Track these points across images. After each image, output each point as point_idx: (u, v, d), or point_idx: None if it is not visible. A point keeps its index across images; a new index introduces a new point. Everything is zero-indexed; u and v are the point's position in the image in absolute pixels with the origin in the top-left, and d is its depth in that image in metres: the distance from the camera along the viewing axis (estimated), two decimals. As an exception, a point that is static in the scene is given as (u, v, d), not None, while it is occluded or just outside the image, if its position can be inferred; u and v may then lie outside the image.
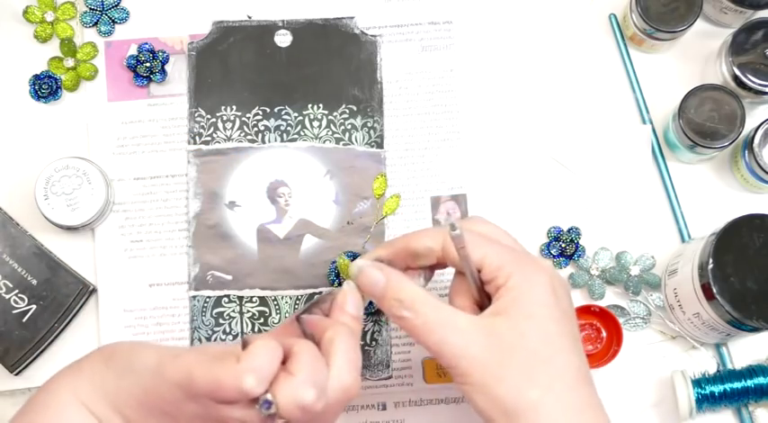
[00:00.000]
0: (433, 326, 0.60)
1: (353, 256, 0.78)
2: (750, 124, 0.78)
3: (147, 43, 0.82)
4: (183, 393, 0.56)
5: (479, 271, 0.62)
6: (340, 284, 0.77)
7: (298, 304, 0.78)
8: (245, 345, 0.57)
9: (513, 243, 0.65)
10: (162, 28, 0.83)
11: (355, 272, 0.64)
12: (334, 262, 0.78)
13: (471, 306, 0.64)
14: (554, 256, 0.79)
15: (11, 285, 0.77)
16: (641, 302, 0.79)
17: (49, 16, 0.82)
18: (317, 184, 0.80)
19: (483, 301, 0.64)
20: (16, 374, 0.77)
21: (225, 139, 0.81)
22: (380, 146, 0.81)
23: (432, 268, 0.67)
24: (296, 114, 0.81)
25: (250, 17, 0.83)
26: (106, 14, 0.82)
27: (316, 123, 0.81)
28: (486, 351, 0.59)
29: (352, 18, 0.82)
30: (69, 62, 0.82)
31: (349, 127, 0.81)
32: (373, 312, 0.78)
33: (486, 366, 0.59)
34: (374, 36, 0.82)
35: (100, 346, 0.74)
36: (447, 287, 0.67)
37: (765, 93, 0.78)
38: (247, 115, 0.81)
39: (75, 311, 0.78)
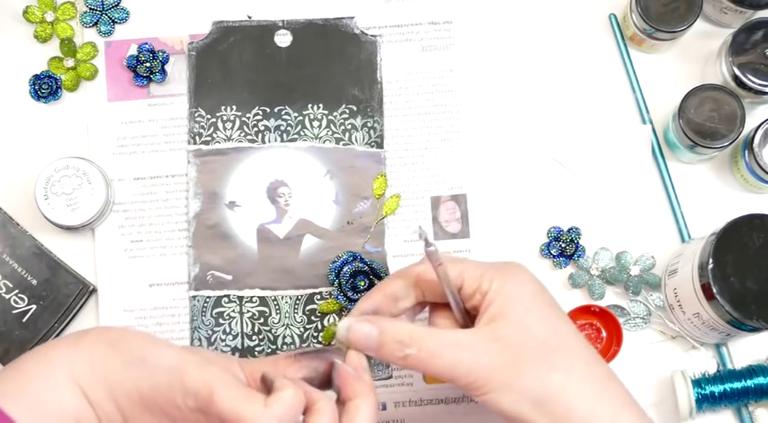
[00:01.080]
0: (438, 352, 0.60)
1: (353, 256, 0.78)
2: (750, 124, 0.78)
3: (147, 43, 0.82)
4: (195, 403, 0.56)
5: (460, 289, 0.63)
6: (340, 284, 0.77)
7: (298, 304, 0.78)
8: (267, 383, 0.56)
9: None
10: (162, 28, 0.83)
11: (344, 332, 0.62)
12: (334, 262, 0.78)
13: (457, 329, 0.64)
14: (554, 256, 0.79)
15: (11, 285, 0.77)
16: (641, 302, 0.79)
17: (49, 16, 0.82)
18: (316, 184, 0.80)
19: (466, 322, 0.64)
20: (16, 374, 0.77)
21: (225, 139, 0.81)
22: (380, 146, 0.81)
23: (413, 311, 0.67)
24: (296, 114, 0.81)
25: (250, 17, 0.83)
26: (106, 14, 0.82)
27: (316, 123, 0.81)
28: (498, 355, 0.60)
29: (352, 18, 0.82)
30: (69, 62, 0.82)
31: (349, 127, 0.81)
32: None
33: (503, 368, 0.60)
34: (374, 36, 0.82)
35: (98, 326, 0.72)
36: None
37: (765, 93, 0.78)
38: (247, 115, 0.81)
39: (75, 311, 0.78)
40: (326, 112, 0.81)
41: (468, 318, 0.64)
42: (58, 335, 0.78)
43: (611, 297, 0.79)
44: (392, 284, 0.65)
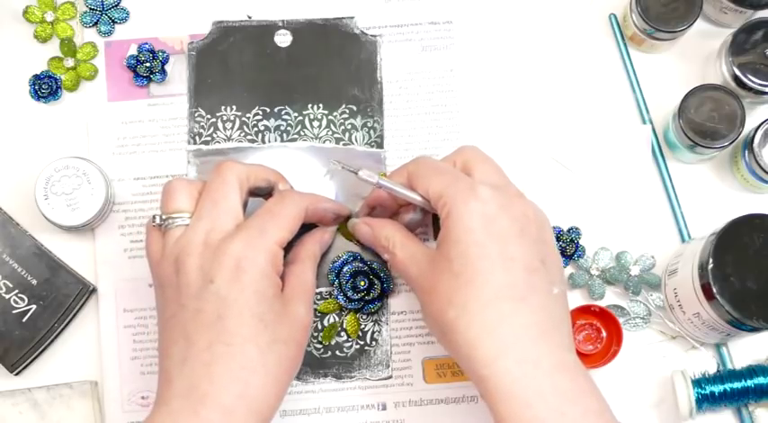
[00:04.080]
0: (402, 262, 0.70)
1: (353, 256, 0.78)
2: (750, 124, 0.78)
3: (147, 43, 0.82)
4: None
5: (430, 200, 0.69)
6: (340, 284, 0.77)
7: (298, 304, 0.78)
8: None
9: (488, 172, 0.69)
10: (162, 28, 0.83)
11: (351, 227, 0.76)
12: (334, 262, 0.78)
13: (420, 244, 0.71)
14: (554, 256, 0.79)
15: (11, 285, 0.77)
16: (641, 302, 0.79)
17: (49, 16, 0.82)
18: (317, 184, 0.80)
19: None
20: (16, 374, 0.77)
21: (225, 139, 0.81)
22: (380, 146, 0.81)
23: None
24: (296, 114, 0.81)
25: (250, 17, 0.83)
26: (106, 14, 0.82)
27: (316, 123, 0.81)
28: (426, 278, 0.67)
29: (352, 18, 0.82)
30: (69, 62, 0.82)
31: (349, 127, 0.81)
32: (373, 312, 0.78)
33: (424, 291, 0.67)
34: (374, 36, 0.82)
35: None
36: None
37: (765, 93, 0.78)
38: (247, 115, 0.81)
39: (75, 311, 0.78)
40: (326, 112, 0.81)
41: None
42: (57, 335, 0.78)
43: (611, 297, 0.79)
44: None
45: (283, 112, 0.81)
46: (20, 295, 0.77)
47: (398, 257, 0.70)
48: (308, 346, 0.78)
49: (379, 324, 0.78)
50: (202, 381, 0.63)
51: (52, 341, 0.78)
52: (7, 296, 0.77)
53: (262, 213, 0.69)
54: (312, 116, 0.81)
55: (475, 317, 0.63)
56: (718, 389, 0.75)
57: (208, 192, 0.69)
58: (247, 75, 0.82)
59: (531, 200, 0.68)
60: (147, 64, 0.81)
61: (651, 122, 0.81)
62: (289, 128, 0.81)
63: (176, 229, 0.68)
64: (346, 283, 0.77)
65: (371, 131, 0.81)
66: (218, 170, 0.70)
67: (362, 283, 0.77)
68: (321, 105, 0.81)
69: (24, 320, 0.77)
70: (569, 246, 0.79)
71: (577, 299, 0.79)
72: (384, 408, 0.78)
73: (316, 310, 0.78)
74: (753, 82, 0.77)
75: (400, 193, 0.71)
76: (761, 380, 0.75)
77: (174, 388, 0.64)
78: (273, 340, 0.65)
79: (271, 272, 0.67)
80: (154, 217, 0.69)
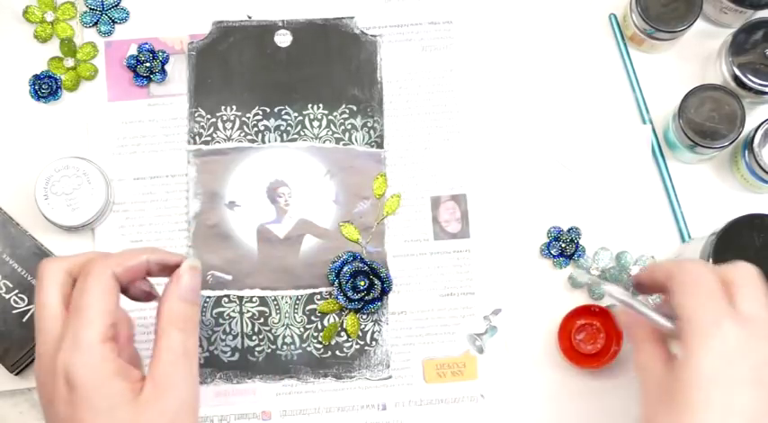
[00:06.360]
0: (639, 363, 0.64)
1: (353, 256, 0.78)
2: (750, 124, 0.78)
3: (147, 43, 0.82)
4: None
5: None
6: (340, 284, 0.77)
7: (298, 304, 0.78)
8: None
9: (749, 297, 0.61)
10: (162, 28, 0.83)
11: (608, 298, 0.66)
12: (334, 262, 0.78)
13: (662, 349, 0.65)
14: (554, 256, 0.79)
15: (11, 285, 0.77)
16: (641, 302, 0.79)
17: (49, 16, 0.82)
18: (316, 184, 0.80)
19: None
20: (16, 374, 0.77)
21: (225, 139, 0.81)
22: (380, 146, 0.81)
23: None
24: (296, 114, 0.81)
25: (250, 17, 0.83)
26: (106, 14, 0.82)
27: (316, 123, 0.81)
28: (650, 397, 0.62)
29: (352, 18, 0.82)
30: (69, 62, 0.82)
31: (349, 127, 0.81)
32: (373, 312, 0.78)
33: (646, 406, 0.63)
34: (374, 36, 0.82)
35: None
36: None
37: (765, 93, 0.78)
38: (247, 115, 0.81)
39: (75, 311, 0.78)
40: (326, 112, 0.81)
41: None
42: (57, 335, 0.78)
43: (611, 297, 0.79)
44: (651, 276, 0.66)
45: (283, 112, 0.81)
46: (20, 295, 0.77)
47: (638, 359, 0.64)
48: (308, 346, 0.78)
49: (379, 324, 0.78)
50: None
51: (52, 341, 0.78)
52: (7, 296, 0.77)
53: (71, 314, 0.59)
54: (312, 116, 0.81)
55: None
56: (718, 389, 0.75)
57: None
58: (247, 75, 0.82)
59: None
60: (147, 64, 0.81)
61: (651, 122, 0.81)
62: (289, 128, 0.81)
63: None
64: (346, 283, 0.77)
65: (371, 131, 0.81)
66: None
67: (362, 283, 0.77)
68: (321, 105, 0.81)
69: (24, 320, 0.77)
70: (569, 246, 0.79)
71: (577, 299, 0.79)
72: (384, 408, 0.78)
73: (316, 310, 0.78)
74: (753, 82, 0.77)
75: (644, 315, 0.63)
76: (761, 380, 0.75)
77: None
78: None
79: (105, 376, 0.57)
80: None
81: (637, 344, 0.64)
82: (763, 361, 0.58)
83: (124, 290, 0.64)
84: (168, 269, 0.63)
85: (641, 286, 0.67)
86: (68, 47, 0.82)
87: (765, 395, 0.58)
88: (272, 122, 0.81)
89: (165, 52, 0.81)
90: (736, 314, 0.59)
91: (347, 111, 0.81)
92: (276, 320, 0.78)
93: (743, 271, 0.61)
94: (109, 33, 0.82)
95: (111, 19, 0.82)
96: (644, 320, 0.64)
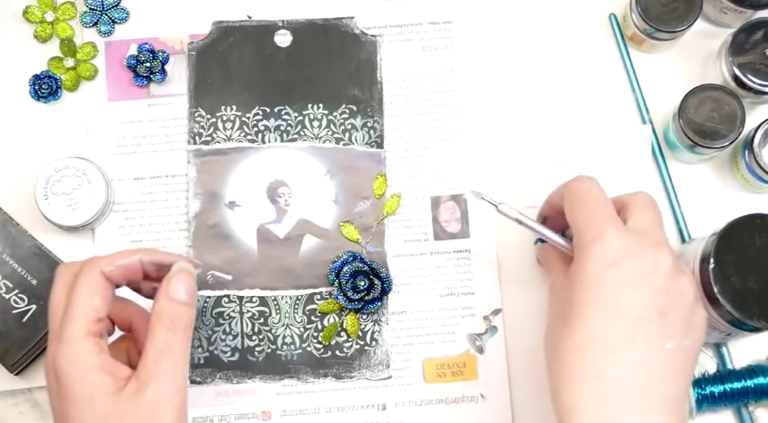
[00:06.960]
0: (550, 283, 0.70)
1: (353, 256, 0.78)
2: (750, 124, 0.78)
3: (147, 43, 0.82)
4: None
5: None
6: (340, 284, 0.77)
7: (298, 304, 0.78)
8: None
9: (640, 218, 0.65)
10: (162, 28, 0.83)
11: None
12: (334, 262, 0.78)
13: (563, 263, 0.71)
14: (554, 256, 0.79)
15: (11, 285, 0.77)
16: (641, 302, 0.79)
17: (49, 16, 0.82)
18: (316, 184, 0.80)
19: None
20: (16, 374, 0.77)
21: (225, 139, 0.81)
22: (380, 146, 0.81)
23: None
24: (296, 114, 0.81)
25: (250, 17, 0.83)
26: (106, 14, 0.82)
27: (316, 123, 0.81)
28: (550, 310, 0.67)
29: (352, 18, 0.82)
30: (69, 62, 0.82)
31: (349, 127, 0.81)
32: (373, 312, 0.78)
33: (548, 321, 0.66)
34: (374, 36, 0.82)
35: None
36: None
37: (765, 93, 0.78)
38: (247, 115, 0.81)
39: (75, 311, 0.78)
40: (326, 112, 0.81)
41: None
42: (57, 335, 0.78)
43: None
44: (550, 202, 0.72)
45: (283, 112, 0.81)
46: (20, 295, 0.77)
47: (548, 284, 0.70)
48: (308, 346, 0.78)
49: (379, 324, 0.78)
50: None
51: (52, 341, 0.78)
52: (7, 296, 0.77)
53: (64, 312, 0.62)
54: (312, 116, 0.81)
55: (561, 363, 0.60)
56: (717, 389, 0.75)
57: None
58: (247, 75, 0.82)
59: (671, 248, 0.64)
60: (147, 64, 0.81)
61: (651, 122, 0.81)
62: (289, 128, 0.81)
63: None
64: (346, 283, 0.77)
65: (371, 131, 0.81)
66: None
67: (362, 283, 0.77)
68: (321, 105, 0.81)
69: (24, 320, 0.77)
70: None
71: (577, 299, 0.79)
72: (384, 408, 0.78)
73: (316, 310, 0.78)
74: (753, 82, 0.77)
75: (538, 233, 0.70)
76: (761, 380, 0.75)
77: None
78: None
79: (87, 369, 0.59)
80: None
81: (549, 272, 0.70)
82: (648, 266, 0.61)
83: (137, 289, 0.67)
84: (165, 270, 0.65)
85: (547, 219, 0.72)
86: (68, 47, 0.82)
87: (650, 298, 0.61)
88: (272, 122, 0.81)
89: (165, 52, 0.81)
90: (623, 224, 0.63)
91: (347, 111, 0.81)
92: (276, 320, 0.78)
93: (638, 196, 0.66)
94: (109, 33, 0.82)
95: (111, 19, 0.82)
96: (553, 249, 0.70)
